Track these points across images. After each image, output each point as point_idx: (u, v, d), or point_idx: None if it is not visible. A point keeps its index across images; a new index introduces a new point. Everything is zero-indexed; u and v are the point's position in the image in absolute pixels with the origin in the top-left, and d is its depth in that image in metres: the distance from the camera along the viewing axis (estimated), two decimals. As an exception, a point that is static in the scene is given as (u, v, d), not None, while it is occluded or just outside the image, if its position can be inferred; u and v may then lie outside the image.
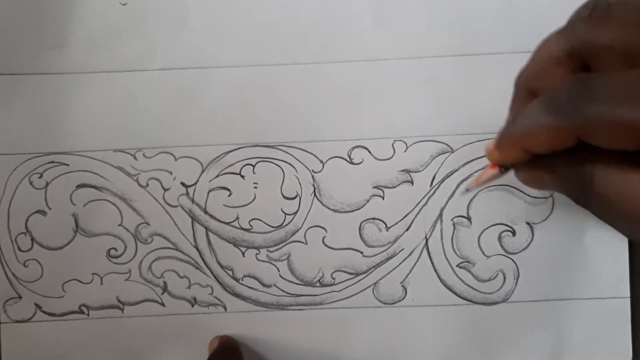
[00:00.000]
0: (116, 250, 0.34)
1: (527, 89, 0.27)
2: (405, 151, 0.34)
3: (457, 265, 0.34)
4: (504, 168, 0.29)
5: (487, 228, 0.34)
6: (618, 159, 0.23)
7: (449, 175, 0.34)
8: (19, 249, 0.34)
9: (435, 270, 0.34)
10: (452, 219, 0.34)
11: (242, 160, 0.34)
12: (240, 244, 0.35)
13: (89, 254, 0.34)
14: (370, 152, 0.34)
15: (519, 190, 0.34)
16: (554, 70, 0.26)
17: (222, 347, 0.33)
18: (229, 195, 0.34)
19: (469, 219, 0.34)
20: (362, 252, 0.34)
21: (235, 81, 0.34)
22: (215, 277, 0.34)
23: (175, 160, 0.34)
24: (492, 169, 0.29)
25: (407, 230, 0.34)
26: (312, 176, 0.34)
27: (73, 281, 0.34)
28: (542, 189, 0.30)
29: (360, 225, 0.34)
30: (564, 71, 0.25)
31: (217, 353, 0.32)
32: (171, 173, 0.34)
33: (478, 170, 0.34)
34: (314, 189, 0.34)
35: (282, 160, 0.34)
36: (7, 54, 0.34)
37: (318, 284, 0.34)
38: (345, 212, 0.34)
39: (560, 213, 0.34)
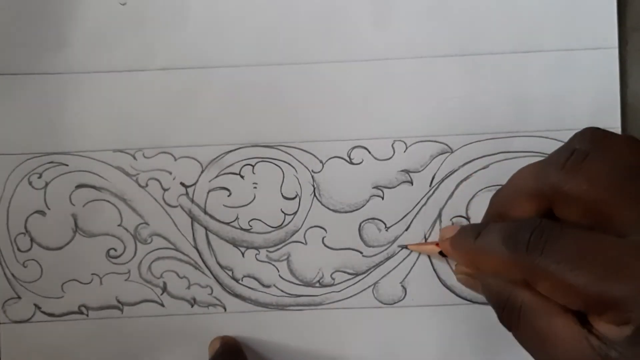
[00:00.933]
0: (115, 250, 0.34)
1: (497, 210, 0.29)
2: (404, 151, 0.34)
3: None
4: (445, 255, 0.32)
5: (486, 228, 0.34)
6: (551, 300, 0.24)
7: (449, 176, 0.34)
8: (18, 249, 0.34)
9: (434, 270, 0.34)
10: (451, 219, 0.34)
11: (241, 161, 0.34)
12: (240, 244, 0.35)
13: (89, 254, 0.34)
14: (370, 152, 0.34)
15: (518, 190, 0.34)
16: (522, 203, 0.27)
17: (224, 349, 0.33)
18: (228, 196, 0.34)
19: (467, 219, 0.34)
20: (361, 252, 0.34)
21: (235, 81, 0.34)
22: (215, 278, 0.34)
23: (175, 160, 0.34)
24: (437, 248, 0.32)
25: (406, 230, 0.34)
26: (312, 176, 0.34)
27: (72, 281, 0.34)
28: (475, 292, 0.32)
29: (360, 226, 0.34)
30: (531, 207, 0.27)
31: (219, 355, 0.32)
32: (171, 173, 0.34)
33: (478, 170, 0.34)
34: (314, 189, 0.34)
35: (282, 161, 0.34)
36: (7, 54, 0.34)
37: (318, 284, 0.34)
38: (345, 212, 0.34)
39: (559, 213, 0.34)
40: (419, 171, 0.34)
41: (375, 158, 0.34)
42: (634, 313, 0.22)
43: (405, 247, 0.34)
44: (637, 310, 0.22)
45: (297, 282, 0.34)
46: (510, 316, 0.26)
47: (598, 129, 0.26)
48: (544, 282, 0.24)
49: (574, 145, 0.26)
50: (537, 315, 0.25)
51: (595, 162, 0.25)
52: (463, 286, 0.34)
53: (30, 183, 0.34)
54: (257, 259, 0.35)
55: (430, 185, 0.34)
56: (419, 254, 0.34)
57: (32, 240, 0.34)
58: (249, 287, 0.34)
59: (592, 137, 0.26)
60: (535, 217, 0.26)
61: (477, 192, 0.34)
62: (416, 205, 0.34)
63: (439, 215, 0.34)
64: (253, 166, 0.34)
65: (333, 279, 0.34)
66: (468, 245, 0.28)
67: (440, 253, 0.32)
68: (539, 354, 0.25)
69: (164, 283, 0.34)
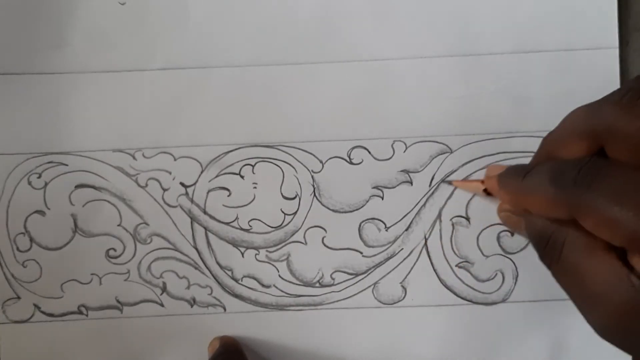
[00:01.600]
0: (115, 250, 0.34)
1: (548, 151, 0.28)
2: (404, 151, 0.34)
3: (456, 265, 0.34)
4: (490, 194, 0.32)
5: (485, 228, 0.34)
6: (595, 238, 0.24)
7: (448, 176, 0.34)
8: (18, 249, 0.34)
9: (434, 270, 0.34)
10: (451, 219, 0.34)
11: (241, 161, 0.34)
12: (240, 244, 0.34)
13: (88, 254, 0.34)
14: (369, 152, 0.34)
15: (518, 190, 0.34)
16: (573, 143, 0.26)
17: (225, 349, 0.33)
18: (228, 196, 0.34)
19: (467, 219, 0.34)
20: (361, 252, 0.34)
21: (235, 81, 0.34)
22: (215, 278, 0.34)
23: (175, 160, 0.34)
24: (481, 185, 0.32)
25: (406, 230, 0.34)
26: (312, 176, 0.34)
27: (72, 281, 0.34)
28: (516, 232, 0.32)
29: (359, 226, 0.34)
30: (582, 147, 0.26)
31: (219, 355, 0.32)
32: (170, 173, 0.34)
33: (478, 170, 0.34)
34: (314, 189, 0.34)
35: (282, 161, 0.34)
36: (6, 54, 0.34)
37: (318, 285, 0.34)
38: (345, 212, 0.34)
39: (559, 213, 0.34)
40: (419, 171, 0.34)
41: (375, 158, 0.34)
42: None
43: (450, 183, 0.34)
44: None
45: (297, 282, 0.34)
46: (552, 252, 0.25)
47: None
48: (589, 217, 0.24)
49: (630, 85, 0.25)
50: (579, 251, 0.24)
51: None
52: (463, 285, 0.34)
53: (29, 183, 0.34)
54: (256, 259, 0.35)
55: (429, 185, 0.34)
56: (419, 254, 0.34)
57: (31, 240, 0.34)
58: (249, 287, 0.34)
59: None
60: (585, 156, 0.25)
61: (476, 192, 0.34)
62: (416, 205, 0.34)
63: (439, 215, 0.34)
64: (253, 166, 0.34)
65: (333, 279, 0.34)
66: (515, 184, 0.28)
67: (485, 191, 0.32)
68: (576, 291, 0.25)
69: (164, 283, 0.34)
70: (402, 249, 0.34)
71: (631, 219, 0.22)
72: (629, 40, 0.34)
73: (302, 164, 0.34)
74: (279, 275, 0.34)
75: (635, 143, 0.24)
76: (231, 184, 0.34)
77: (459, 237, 0.34)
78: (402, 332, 0.34)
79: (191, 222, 0.34)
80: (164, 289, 0.34)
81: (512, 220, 0.30)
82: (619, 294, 0.23)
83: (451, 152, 0.34)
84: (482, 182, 0.32)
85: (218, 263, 0.34)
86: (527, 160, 0.34)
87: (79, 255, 0.34)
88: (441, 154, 0.34)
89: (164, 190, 0.34)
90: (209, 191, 0.34)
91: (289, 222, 0.34)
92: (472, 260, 0.34)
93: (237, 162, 0.34)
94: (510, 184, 0.28)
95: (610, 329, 0.24)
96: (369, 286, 0.34)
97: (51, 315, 0.34)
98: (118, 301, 0.34)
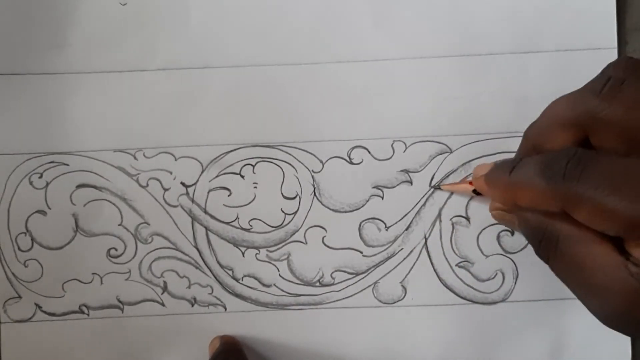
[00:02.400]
0: (116, 250, 0.34)
1: (532, 143, 0.28)
2: (404, 151, 0.34)
3: (456, 265, 0.34)
4: (479, 194, 0.32)
5: (485, 228, 0.34)
6: (588, 229, 0.24)
7: (448, 176, 0.34)
8: (19, 249, 0.34)
9: (434, 269, 0.34)
10: (451, 219, 0.34)
11: (242, 160, 0.35)
12: (240, 243, 0.35)
13: (89, 254, 0.34)
14: (369, 152, 0.34)
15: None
16: (557, 133, 0.27)
17: (225, 347, 0.33)
18: (228, 195, 0.35)
19: (467, 218, 0.34)
20: (361, 252, 0.34)
21: (235, 81, 0.34)
22: (215, 277, 0.35)
23: (175, 160, 0.34)
24: (470, 186, 0.32)
25: (406, 230, 0.34)
26: (312, 176, 0.34)
27: (73, 281, 0.34)
28: (511, 228, 0.32)
29: (360, 225, 0.34)
30: (566, 137, 0.26)
31: (220, 354, 0.32)
32: (171, 173, 0.35)
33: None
34: (314, 188, 0.34)
35: (282, 160, 0.34)
36: (7, 54, 0.34)
37: (318, 284, 0.34)
38: (345, 212, 0.34)
39: (559, 213, 0.34)
40: (419, 171, 0.34)
41: (375, 158, 0.34)
42: None
43: (439, 187, 0.34)
44: None
45: (297, 281, 0.35)
46: (548, 247, 0.26)
47: (631, 57, 0.26)
48: (581, 209, 0.24)
49: (609, 74, 0.26)
50: (575, 244, 0.24)
51: (631, 88, 0.24)
52: (463, 285, 0.34)
53: (31, 183, 0.34)
54: (257, 259, 0.35)
55: (429, 185, 0.34)
56: (419, 253, 0.34)
57: (32, 239, 0.34)
58: (249, 287, 0.35)
59: (626, 65, 0.25)
60: (571, 147, 0.25)
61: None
62: (416, 205, 0.34)
63: (439, 215, 0.34)
64: (253, 166, 0.34)
65: (333, 278, 0.34)
66: (503, 180, 0.27)
67: (474, 192, 0.32)
68: (576, 283, 0.25)
69: (165, 282, 0.34)
70: (402, 248, 0.34)
71: (626, 207, 0.22)
72: (628, 41, 0.34)
73: (302, 163, 0.34)
74: (280, 275, 0.35)
75: (619, 131, 0.24)
76: (232, 184, 0.35)
77: (459, 236, 0.34)
78: (402, 331, 0.34)
79: (192, 222, 0.35)
80: (164, 289, 0.35)
81: (505, 218, 0.30)
82: (618, 283, 0.23)
83: (451, 152, 0.34)
84: (470, 183, 0.32)
85: (219, 262, 0.35)
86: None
87: (80, 255, 0.34)
88: (441, 154, 0.34)
89: (165, 190, 0.35)
90: (209, 191, 0.35)
91: (289, 222, 0.35)
92: (472, 259, 0.34)
93: (238, 162, 0.34)
94: (498, 181, 0.28)
95: (612, 317, 0.24)
96: (369, 286, 0.34)
97: (52, 314, 0.34)
98: (119, 300, 0.34)
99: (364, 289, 0.34)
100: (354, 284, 0.34)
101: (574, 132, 0.26)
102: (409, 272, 0.34)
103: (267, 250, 0.35)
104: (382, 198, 0.34)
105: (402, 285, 0.34)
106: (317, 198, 0.34)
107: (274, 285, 0.35)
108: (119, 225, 0.34)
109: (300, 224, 0.34)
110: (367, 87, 0.34)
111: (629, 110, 0.24)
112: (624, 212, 0.22)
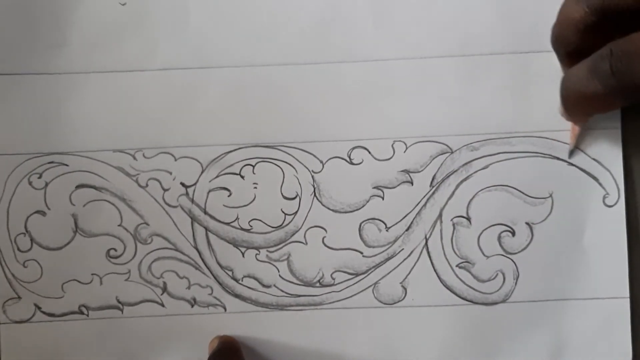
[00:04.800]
0: (116, 250, 0.34)
1: (564, 51, 0.30)
2: (404, 151, 0.34)
3: (456, 266, 0.34)
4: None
5: (486, 228, 0.34)
6: None
7: (449, 176, 0.34)
8: (19, 249, 0.34)
9: (435, 270, 0.34)
10: (451, 219, 0.34)
11: (242, 161, 0.34)
12: (240, 244, 0.35)
13: (89, 255, 0.34)
14: (370, 152, 0.34)
15: (518, 190, 0.34)
16: (577, 31, 0.29)
17: (223, 347, 0.33)
18: (228, 196, 0.34)
19: (468, 219, 0.34)
20: (362, 253, 0.34)
21: (235, 81, 0.34)
22: (215, 278, 0.34)
23: (175, 160, 0.34)
24: (574, 125, 0.33)
25: (406, 230, 0.34)
26: (312, 176, 0.34)
27: (72, 281, 0.34)
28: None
29: (360, 226, 0.34)
30: (587, 32, 0.28)
31: (218, 353, 0.32)
32: (171, 173, 0.34)
33: (478, 170, 0.34)
34: (314, 189, 0.34)
35: (282, 161, 0.34)
36: (6, 54, 0.34)
37: (318, 284, 0.34)
38: (345, 212, 0.34)
39: (559, 213, 0.34)
40: (419, 171, 0.34)
41: (375, 158, 0.34)
42: None
43: (573, 151, 0.34)
44: None
45: (297, 282, 0.34)
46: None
47: None
48: None
49: None
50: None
51: None
52: (463, 285, 0.34)
53: (30, 183, 0.34)
54: (257, 259, 0.35)
55: (430, 186, 0.34)
56: (419, 254, 0.34)
57: (32, 240, 0.34)
58: (249, 287, 0.34)
59: None
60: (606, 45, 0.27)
61: (477, 192, 0.34)
62: (416, 205, 0.34)
63: (440, 215, 0.34)
64: (253, 166, 0.34)
65: (333, 278, 0.34)
66: (571, 103, 0.31)
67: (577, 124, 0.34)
68: None
69: (164, 283, 0.34)
70: (403, 249, 0.34)
71: None
72: (630, 40, 0.34)
73: (302, 164, 0.34)
74: (280, 275, 0.34)
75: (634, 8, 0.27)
76: (231, 184, 0.34)
77: (460, 237, 0.34)
78: (402, 332, 0.34)
79: (191, 222, 0.35)
80: (164, 289, 0.34)
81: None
82: None
83: (451, 152, 0.34)
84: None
85: (218, 263, 0.34)
86: (527, 160, 0.34)
87: (79, 255, 0.34)
88: (441, 154, 0.34)
89: (165, 190, 0.34)
90: (209, 191, 0.34)
91: (289, 222, 0.34)
92: (473, 260, 0.34)
93: (238, 162, 0.34)
94: (568, 105, 0.31)
95: None
96: (369, 286, 0.34)
97: (52, 315, 0.34)
98: (119, 301, 0.34)
99: (364, 289, 0.34)
100: (354, 284, 0.34)
101: (591, 23, 0.28)
102: (410, 272, 0.34)
103: (267, 251, 0.34)
104: (383, 198, 0.34)
105: (402, 286, 0.34)
106: (317, 198, 0.34)
107: (274, 285, 0.34)
108: (118, 225, 0.34)
109: (300, 224, 0.34)
110: (367, 87, 0.34)
111: None
112: None
